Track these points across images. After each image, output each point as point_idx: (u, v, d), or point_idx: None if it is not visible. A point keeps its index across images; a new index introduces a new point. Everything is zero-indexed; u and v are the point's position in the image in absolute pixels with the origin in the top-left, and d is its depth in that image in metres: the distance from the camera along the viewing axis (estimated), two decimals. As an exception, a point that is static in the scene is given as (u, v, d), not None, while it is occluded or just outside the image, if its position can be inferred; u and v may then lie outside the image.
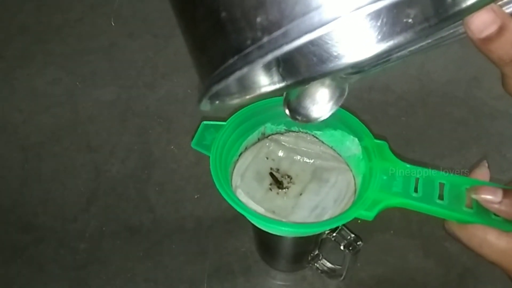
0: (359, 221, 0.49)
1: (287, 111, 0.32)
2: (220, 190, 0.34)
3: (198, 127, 0.39)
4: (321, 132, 0.41)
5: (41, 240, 0.50)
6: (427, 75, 0.63)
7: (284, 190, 0.40)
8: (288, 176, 0.41)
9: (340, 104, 0.32)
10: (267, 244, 0.46)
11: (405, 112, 0.60)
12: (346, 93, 0.31)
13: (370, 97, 0.59)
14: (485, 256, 0.30)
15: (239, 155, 0.42)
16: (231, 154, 0.40)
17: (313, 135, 0.43)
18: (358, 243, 0.39)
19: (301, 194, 0.40)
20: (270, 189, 0.40)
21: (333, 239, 0.40)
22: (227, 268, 0.48)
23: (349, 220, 0.34)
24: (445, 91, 0.61)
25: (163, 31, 0.65)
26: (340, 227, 0.40)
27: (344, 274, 0.43)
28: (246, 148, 0.42)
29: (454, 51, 0.65)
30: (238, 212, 0.34)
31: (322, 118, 0.31)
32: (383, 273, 0.48)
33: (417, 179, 0.34)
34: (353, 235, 0.39)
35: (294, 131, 0.43)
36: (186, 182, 0.54)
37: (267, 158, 0.42)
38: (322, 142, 0.42)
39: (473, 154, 0.56)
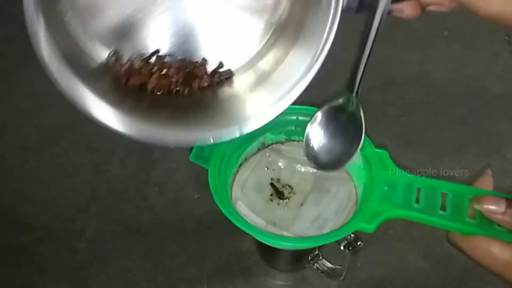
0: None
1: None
2: (219, 205, 0.34)
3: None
4: None
5: (41, 240, 0.50)
6: (427, 75, 0.63)
7: (285, 200, 0.40)
8: (289, 186, 0.41)
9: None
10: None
11: (405, 112, 0.60)
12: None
13: (369, 97, 0.59)
14: (488, 268, 0.29)
15: (239, 166, 0.41)
16: (231, 165, 0.40)
17: None
18: (358, 243, 0.39)
19: (302, 205, 0.39)
20: (271, 200, 0.40)
21: (333, 239, 0.40)
22: (227, 268, 0.48)
23: (349, 233, 0.34)
24: (445, 91, 0.61)
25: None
26: (340, 227, 0.40)
27: (344, 274, 0.43)
28: (246, 159, 0.42)
29: (454, 51, 0.65)
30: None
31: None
32: (383, 273, 0.48)
33: (418, 189, 0.33)
34: (353, 235, 0.39)
35: (295, 141, 0.43)
36: (186, 182, 0.54)
37: (267, 169, 0.42)
38: None
39: (473, 154, 0.55)
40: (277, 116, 0.40)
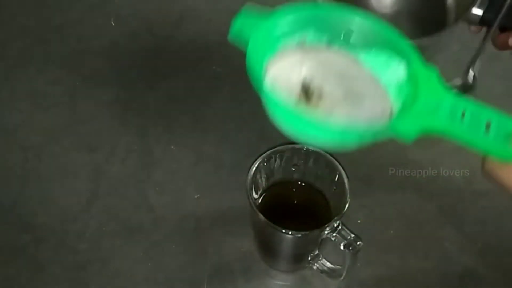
0: (359, 221, 0.49)
1: None
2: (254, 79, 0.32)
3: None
4: (365, 51, 0.38)
5: (41, 240, 0.50)
6: (427, 75, 0.63)
7: (313, 105, 0.37)
8: (320, 92, 0.38)
9: None
10: (267, 244, 0.46)
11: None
12: None
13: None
14: None
15: (274, 57, 0.38)
16: (266, 54, 0.37)
17: (354, 55, 0.39)
18: (358, 243, 0.39)
19: (330, 114, 0.36)
20: (299, 102, 0.37)
21: (333, 239, 0.40)
22: (227, 268, 0.48)
23: (387, 135, 0.32)
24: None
25: (163, 31, 0.65)
26: (340, 227, 0.40)
27: (344, 274, 0.43)
28: (283, 51, 0.38)
29: (453, 51, 0.65)
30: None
31: None
32: (383, 273, 0.48)
33: (463, 112, 0.33)
34: (353, 235, 0.39)
35: (336, 46, 0.39)
36: (186, 182, 0.54)
37: (301, 68, 0.38)
38: (363, 62, 0.38)
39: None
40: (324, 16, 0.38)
